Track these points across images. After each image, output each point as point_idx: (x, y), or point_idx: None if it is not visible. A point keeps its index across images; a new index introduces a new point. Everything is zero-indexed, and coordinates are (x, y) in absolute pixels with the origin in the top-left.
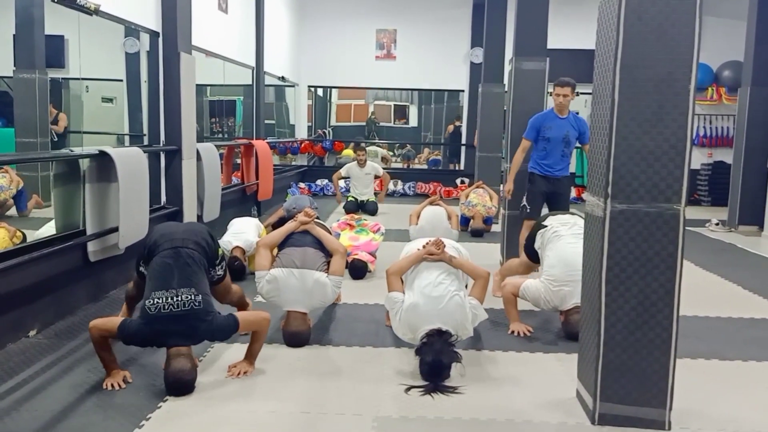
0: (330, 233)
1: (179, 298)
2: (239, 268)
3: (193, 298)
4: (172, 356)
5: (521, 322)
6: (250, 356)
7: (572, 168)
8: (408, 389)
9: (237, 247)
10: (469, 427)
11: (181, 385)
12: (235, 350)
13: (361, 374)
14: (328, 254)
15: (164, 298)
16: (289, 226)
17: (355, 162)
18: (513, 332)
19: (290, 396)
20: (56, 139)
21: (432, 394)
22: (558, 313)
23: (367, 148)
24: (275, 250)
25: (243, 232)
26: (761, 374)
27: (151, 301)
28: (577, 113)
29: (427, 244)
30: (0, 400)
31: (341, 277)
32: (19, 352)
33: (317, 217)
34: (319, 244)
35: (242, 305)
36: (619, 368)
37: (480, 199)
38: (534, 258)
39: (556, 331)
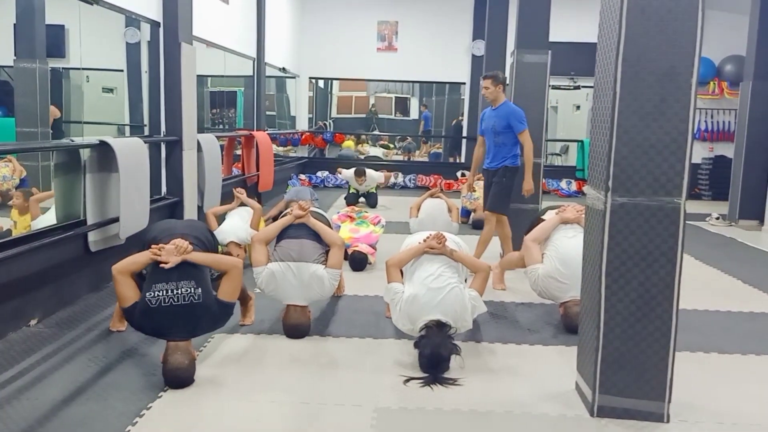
0: (330, 226)
1: (179, 291)
2: None
3: (192, 291)
4: (170, 351)
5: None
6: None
7: (572, 161)
8: (407, 381)
9: (231, 242)
10: (468, 419)
11: (179, 381)
12: (235, 341)
13: (361, 365)
14: (327, 245)
15: (164, 291)
16: (284, 219)
17: (354, 176)
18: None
19: (290, 387)
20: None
21: (431, 385)
22: (557, 306)
23: (367, 172)
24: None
25: (236, 227)
26: (760, 368)
27: (152, 294)
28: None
29: (428, 237)
30: (1, 389)
31: (339, 270)
32: (20, 341)
33: (320, 210)
34: (317, 236)
35: (244, 299)
36: (619, 361)
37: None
38: None
39: (555, 324)
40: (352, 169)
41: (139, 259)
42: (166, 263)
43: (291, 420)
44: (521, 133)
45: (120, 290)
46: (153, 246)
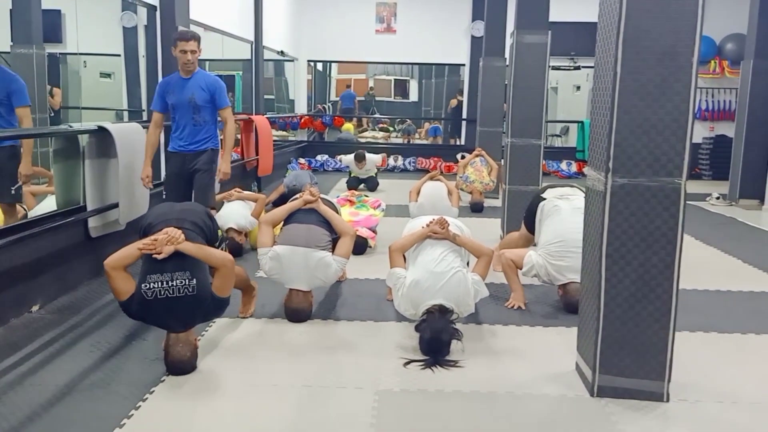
0: (338, 212)
1: (174, 283)
2: (235, 246)
3: (187, 283)
4: (172, 343)
5: (522, 295)
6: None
7: (573, 142)
8: (407, 363)
9: (230, 228)
10: (469, 400)
11: (180, 372)
12: (237, 326)
13: (362, 348)
14: (334, 232)
15: (159, 283)
16: (293, 203)
17: (354, 161)
18: (513, 306)
19: (292, 370)
20: (53, 115)
21: (432, 368)
22: (557, 288)
23: (366, 156)
24: (279, 227)
25: (236, 213)
26: (760, 347)
27: (147, 285)
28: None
29: (431, 222)
30: (4, 375)
31: (347, 259)
32: (22, 327)
33: (329, 198)
34: (325, 223)
35: (247, 288)
36: (619, 341)
37: (477, 175)
38: (534, 231)
39: (555, 305)
40: (352, 155)
41: (131, 252)
42: (159, 254)
43: (293, 403)
44: (225, 108)
45: (114, 285)
46: (145, 237)
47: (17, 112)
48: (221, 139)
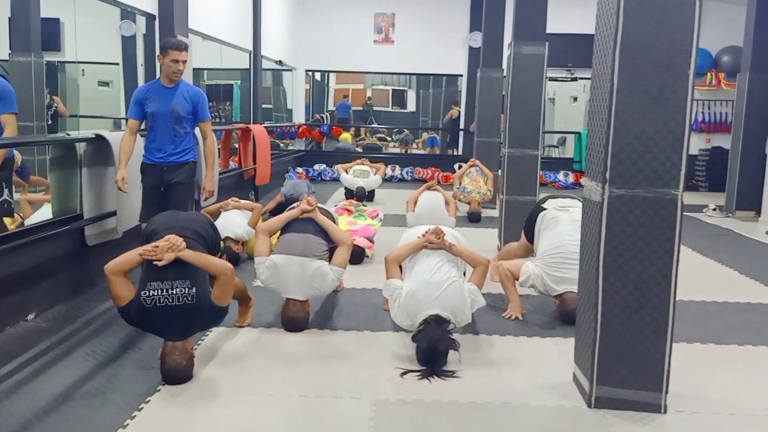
0: (335, 221)
1: (174, 291)
2: (232, 255)
3: (187, 291)
4: (168, 351)
5: (519, 305)
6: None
7: (570, 152)
8: (404, 373)
9: (227, 237)
10: (466, 410)
11: (176, 381)
12: (234, 335)
13: (359, 358)
14: (331, 241)
15: (159, 290)
16: (290, 213)
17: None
18: (510, 316)
19: (288, 380)
20: (50, 123)
21: (429, 378)
22: (553, 298)
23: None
24: (275, 236)
25: (233, 222)
26: (756, 358)
27: (147, 293)
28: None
29: (427, 232)
30: None
31: (344, 269)
32: (18, 336)
33: (327, 207)
34: (322, 232)
35: (244, 298)
36: (616, 352)
37: (474, 186)
38: (533, 241)
39: (552, 315)
40: (350, 176)
41: (132, 257)
42: (159, 260)
43: (289, 413)
44: (206, 121)
45: (114, 290)
46: (148, 243)
47: (1, 118)
48: (204, 153)
